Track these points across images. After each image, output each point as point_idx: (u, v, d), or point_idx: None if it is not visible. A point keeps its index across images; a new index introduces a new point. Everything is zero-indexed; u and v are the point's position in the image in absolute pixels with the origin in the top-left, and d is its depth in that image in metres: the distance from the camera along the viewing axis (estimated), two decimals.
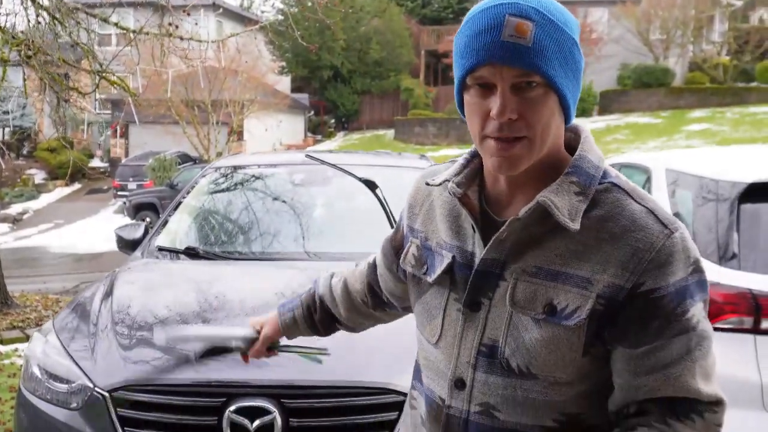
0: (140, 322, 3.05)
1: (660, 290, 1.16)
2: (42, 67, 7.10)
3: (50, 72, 7.36)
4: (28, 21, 7.31)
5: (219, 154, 25.98)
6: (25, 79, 7.76)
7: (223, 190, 4.61)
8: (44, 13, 7.36)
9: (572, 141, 1.29)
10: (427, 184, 1.38)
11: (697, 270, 1.21)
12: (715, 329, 3.03)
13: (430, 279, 1.34)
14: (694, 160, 4.07)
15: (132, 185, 23.35)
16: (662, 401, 1.18)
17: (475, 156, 1.32)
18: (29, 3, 7.23)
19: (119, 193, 23.77)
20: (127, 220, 19.53)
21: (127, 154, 30.17)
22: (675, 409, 1.18)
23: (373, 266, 1.65)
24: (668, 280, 1.16)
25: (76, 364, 2.77)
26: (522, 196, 1.25)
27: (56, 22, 7.36)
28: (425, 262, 1.37)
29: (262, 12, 42.65)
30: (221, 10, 34.04)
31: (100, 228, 20.06)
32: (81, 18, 7.82)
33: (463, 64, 1.17)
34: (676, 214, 3.61)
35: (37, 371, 2.89)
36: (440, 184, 1.34)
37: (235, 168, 4.74)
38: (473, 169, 1.31)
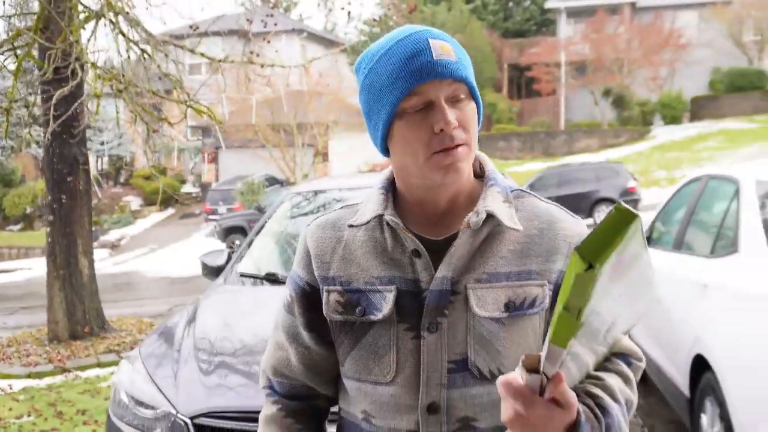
0: (221, 350, 3.13)
1: None
2: (133, 99, 7.40)
3: (140, 104, 7.66)
4: (120, 55, 7.65)
5: (305, 176, 26.43)
6: (117, 112, 8.11)
7: (304, 215, 4.68)
8: (135, 47, 7.69)
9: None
10: (351, 226, 1.37)
11: None
12: None
13: (375, 317, 1.31)
14: None
15: (222, 209, 23.92)
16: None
17: (388, 188, 1.38)
18: (120, 37, 7.56)
19: (210, 217, 24.41)
20: (218, 244, 20.06)
21: (217, 178, 31.04)
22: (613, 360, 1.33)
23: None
24: None
25: (160, 391, 2.86)
26: (451, 215, 1.33)
27: (146, 55, 7.67)
28: (357, 304, 1.33)
29: (345, 34, 43.34)
30: (305, 34, 34.74)
31: (192, 252, 20.62)
32: (169, 50, 8.14)
33: (399, 87, 1.25)
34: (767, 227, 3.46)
35: (124, 398, 3.00)
36: (368, 222, 1.35)
37: (316, 192, 4.80)
38: (392, 200, 1.37)
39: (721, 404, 3.45)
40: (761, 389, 3.19)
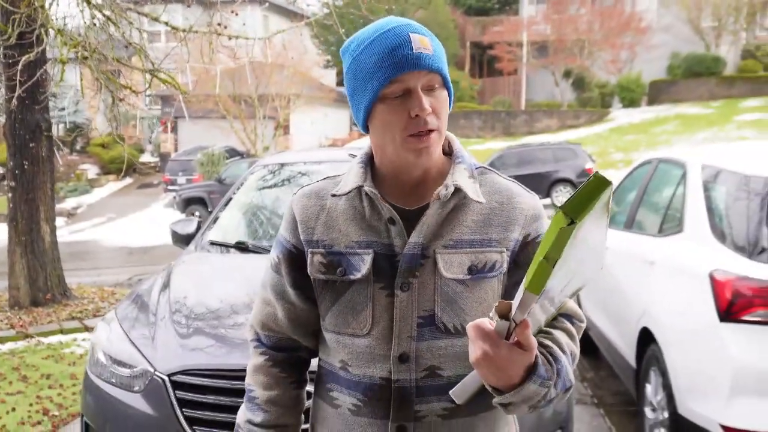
0: (195, 312, 3.27)
1: (540, 236, 1.49)
2: (97, 66, 7.38)
3: (105, 72, 7.64)
4: (84, 22, 7.60)
5: (266, 149, 26.37)
6: (82, 79, 8.08)
7: (271, 186, 4.81)
8: (98, 14, 7.65)
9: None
10: (333, 195, 1.53)
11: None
12: (745, 321, 3.14)
13: (354, 277, 1.47)
14: (731, 156, 4.13)
15: (181, 180, 23.76)
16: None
17: (367, 163, 1.54)
18: (84, 5, 7.52)
19: (169, 187, 24.21)
20: (177, 214, 19.95)
21: (176, 149, 30.75)
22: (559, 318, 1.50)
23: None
24: (543, 228, 1.50)
25: (138, 350, 3.00)
26: (423, 188, 1.50)
27: (110, 22, 7.64)
28: (338, 265, 1.49)
29: (308, 5, 42.91)
30: (267, 4, 34.38)
31: (151, 222, 20.55)
32: (132, 18, 8.09)
33: (381, 75, 1.40)
34: (710, 209, 3.69)
35: (102, 357, 3.13)
36: (349, 192, 1.51)
37: (282, 165, 4.93)
38: (371, 173, 1.53)
39: (664, 374, 3.69)
40: (698, 360, 3.43)
